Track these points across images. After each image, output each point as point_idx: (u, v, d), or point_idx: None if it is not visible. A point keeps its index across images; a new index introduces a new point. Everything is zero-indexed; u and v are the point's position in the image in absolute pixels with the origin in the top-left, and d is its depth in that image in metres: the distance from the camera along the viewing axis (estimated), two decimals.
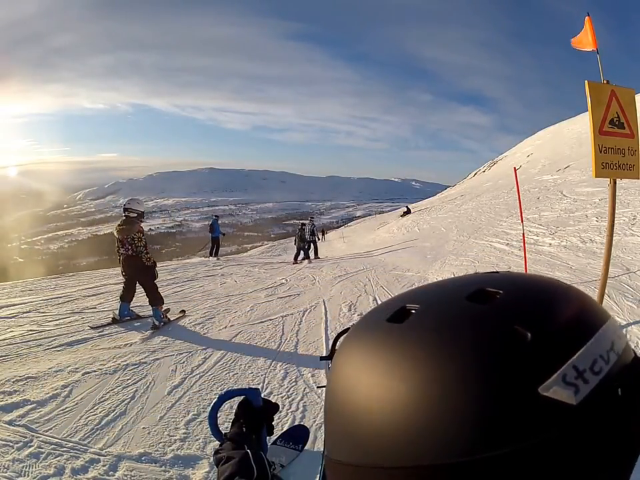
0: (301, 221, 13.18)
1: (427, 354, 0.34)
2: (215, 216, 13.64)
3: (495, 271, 0.44)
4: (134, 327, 4.41)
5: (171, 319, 4.67)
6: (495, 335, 0.34)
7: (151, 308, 4.57)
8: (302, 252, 12.20)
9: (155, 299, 4.64)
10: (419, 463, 0.32)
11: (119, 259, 4.81)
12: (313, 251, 12.56)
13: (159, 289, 4.82)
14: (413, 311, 0.38)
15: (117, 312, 4.62)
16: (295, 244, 12.54)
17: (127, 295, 4.78)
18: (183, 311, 4.98)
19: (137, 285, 4.81)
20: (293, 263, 10.91)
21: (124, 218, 4.83)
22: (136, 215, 4.91)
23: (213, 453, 0.72)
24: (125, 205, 4.91)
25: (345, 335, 0.43)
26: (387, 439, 0.34)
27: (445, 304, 0.39)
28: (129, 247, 4.70)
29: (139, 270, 4.70)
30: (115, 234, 4.78)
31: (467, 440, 0.31)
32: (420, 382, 0.33)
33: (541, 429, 0.30)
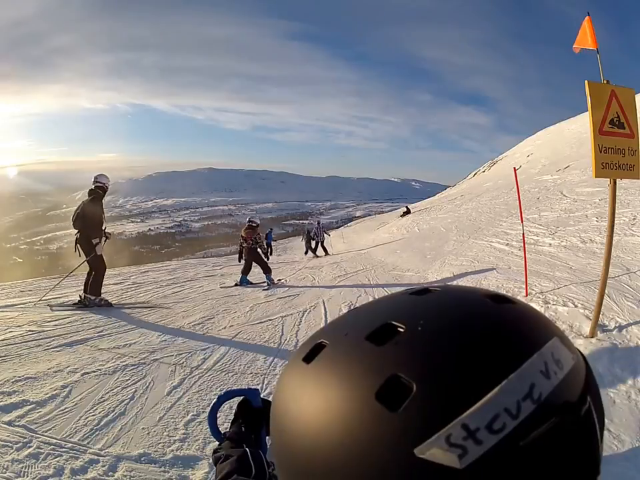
0: (307, 228, 15.04)
1: (321, 399, 0.33)
2: (270, 229, 19.11)
3: (424, 288, 0.40)
4: (248, 288, 6.69)
5: (276, 282, 7.27)
6: (378, 384, 0.30)
7: (265, 276, 7.35)
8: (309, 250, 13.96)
9: (267, 270, 7.41)
10: None
11: (241, 249, 7.97)
12: (320, 249, 14.12)
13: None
14: (325, 347, 0.37)
15: (237, 280, 7.33)
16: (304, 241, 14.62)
17: (246, 271, 7.54)
18: (280, 279, 7.55)
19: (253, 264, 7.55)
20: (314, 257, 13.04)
21: (247, 225, 7.94)
22: (256, 225, 7.98)
23: (212, 452, 0.72)
24: (250, 218, 8.21)
25: None
26: (301, 469, 0.34)
27: (347, 343, 0.36)
28: (251, 242, 7.67)
29: (256, 256, 7.64)
30: (243, 234, 7.87)
31: None
32: (316, 427, 0.33)
33: None
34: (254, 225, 7.96)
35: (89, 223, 5.29)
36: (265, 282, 7.30)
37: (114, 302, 5.45)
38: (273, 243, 18.27)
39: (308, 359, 0.37)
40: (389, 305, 0.41)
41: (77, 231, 5.38)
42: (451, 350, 0.31)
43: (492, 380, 0.28)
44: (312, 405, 0.34)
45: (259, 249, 7.75)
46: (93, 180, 5.63)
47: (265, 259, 7.95)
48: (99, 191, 5.57)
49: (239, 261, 8.20)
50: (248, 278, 7.47)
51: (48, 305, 5.06)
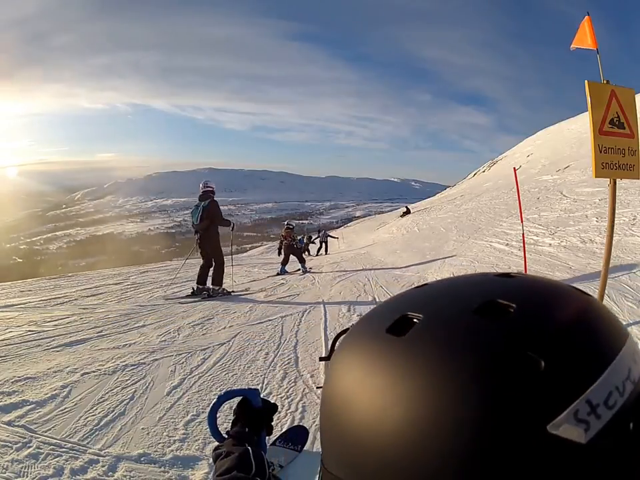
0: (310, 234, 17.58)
1: (427, 376, 0.31)
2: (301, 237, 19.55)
3: (506, 273, 0.39)
4: (291, 275, 7.74)
5: (308, 270, 8.88)
6: (505, 360, 0.30)
7: (300, 266, 9.06)
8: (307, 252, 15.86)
9: (302, 260, 9.28)
10: None
11: (281, 245, 10.05)
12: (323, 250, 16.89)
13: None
14: (415, 321, 0.35)
15: (278, 270, 8.67)
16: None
17: (285, 262, 9.02)
18: (311, 268, 9.27)
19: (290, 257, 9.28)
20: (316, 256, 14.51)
21: (286, 227, 10.14)
22: (292, 227, 10.29)
23: (212, 450, 0.72)
24: (288, 222, 10.66)
25: (342, 341, 0.40)
26: (376, 461, 0.32)
27: (451, 316, 0.35)
28: (290, 240, 9.65)
29: (294, 250, 9.53)
30: (283, 233, 10.05)
31: (460, 475, 0.29)
32: (419, 410, 0.30)
33: (545, 471, 0.27)
34: (291, 226, 10.30)
35: (218, 219, 6.25)
36: (299, 270, 9.01)
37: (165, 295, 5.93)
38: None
39: (396, 331, 0.35)
40: (478, 283, 0.40)
41: (195, 231, 6.27)
42: (571, 328, 0.32)
43: (606, 359, 0.30)
44: (416, 383, 0.31)
45: (297, 246, 10.17)
46: (202, 185, 6.49)
47: (301, 254, 10.06)
48: (210, 194, 6.37)
49: (279, 255, 10.58)
50: (286, 268, 8.96)
51: (163, 298, 5.73)
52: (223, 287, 6.16)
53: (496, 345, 0.31)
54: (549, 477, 0.28)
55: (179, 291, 6.38)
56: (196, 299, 5.73)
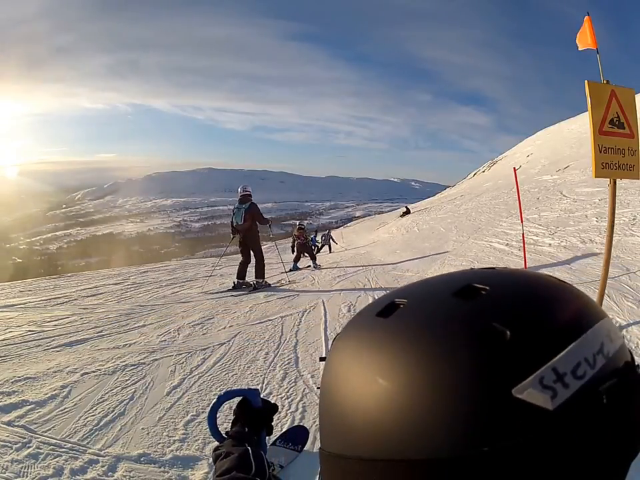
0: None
1: (407, 349, 0.34)
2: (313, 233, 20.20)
3: (490, 267, 0.42)
4: (300, 271, 8.04)
5: (320, 267, 9.24)
6: (473, 331, 0.33)
7: (312, 262, 9.76)
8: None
9: (313, 257, 10.06)
10: (393, 457, 0.32)
11: (295, 244, 10.64)
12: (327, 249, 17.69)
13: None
14: (401, 305, 0.38)
15: (290, 266, 9.13)
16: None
17: (297, 259, 10.09)
18: (320, 264, 9.63)
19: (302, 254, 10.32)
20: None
21: (299, 227, 11.00)
22: (304, 227, 11.20)
23: (212, 451, 0.71)
24: (300, 222, 11.74)
25: (343, 327, 0.43)
26: (366, 431, 0.34)
27: (431, 299, 0.39)
28: (302, 239, 10.47)
29: (307, 249, 10.50)
30: (296, 233, 10.73)
31: (441, 438, 0.31)
32: (399, 377, 0.33)
33: (515, 432, 0.29)
34: (302, 226, 11.28)
35: (260, 219, 6.99)
36: (309, 266, 9.70)
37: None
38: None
39: (384, 314, 0.38)
40: (460, 273, 0.42)
41: (236, 230, 7.01)
42: (539, 304, 0.34)
43: (575, 332, 0.32)
44: (397, 354, 0.34)
45: (310, 245, 11.54)
46: (241, 189, 7.07)
47: (313, 252, 11.08)
48: (249, 197, 6.98)
49: (292, 253, 10.88)
50: (298, 265, 9.90)
51: (203, 292, 6.28)
52: (265, 279, 6.89)
53: (467, 320, 0.34)
54: (521, 440, 0.29)
55: (192, 287, 6.76)
56: (243, 292, 6.31)
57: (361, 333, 0.39)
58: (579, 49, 3.14)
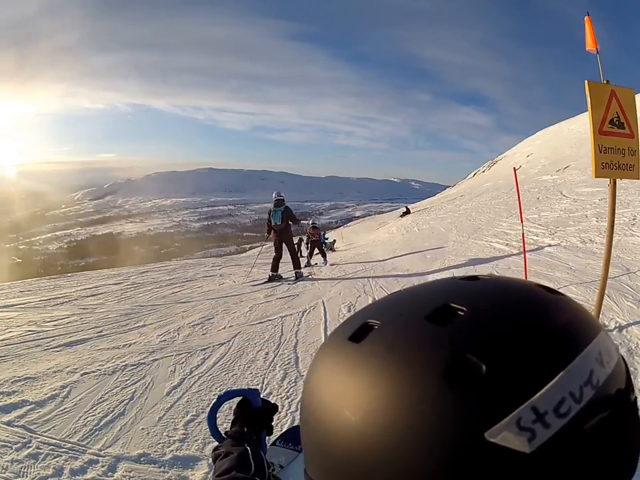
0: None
1: (375, 383, 0.32)
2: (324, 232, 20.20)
3: (474, 276, 0.39)
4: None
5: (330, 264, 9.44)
6: (446, 364, 0.29)
7: (323, 259, 10.29)
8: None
9: (324, 255, 10.52)
10: None
11: (310, 242, 11.68)
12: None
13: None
14: (375, 327, 0.36)
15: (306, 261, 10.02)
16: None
17: (311, 254, 11.10)
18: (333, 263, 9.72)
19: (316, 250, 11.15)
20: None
21: (312, 226, 12.15)
22: (317, 226, 12.18)
23: (211, 450, 0.71)
24: (312, 221, 12.95)
25: (316, 351, 0.42)
26: (339, 462, 0.32)
27: (404, 323, 0.35)
28: (317, 236, 11.60)
29: (319, 245, 11.31)
30: (310, 231, 11.83)
31: (412, 477, 0.28)
32: (366, 414, 0.31)
33: (488, 478, 0.27)
34: (316, 225, 12.74)
35: (294, 220, 8.06)
36: (316, 263, 10.09)
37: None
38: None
39: (356, 338, 0.36)
40: (439, 288, 0.40)
41: (272, 230, 7.95)
42: (519, 333, 0.30)
43: (558, 364, 0.29)
44: (365, 387, 0.32)
45: (322, 242, 12.26)
46: (275, 195, 7.96)
47: (324, 249, 11.92)
48: (282, 201, 7.94)
49: (307, 249, 12.24)
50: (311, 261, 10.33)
51: (244, 283, 7.11)
52: (301, 269, 8.01)
53: (439, 350, 0.31)
54: None
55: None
56: (275, 283, 7.16)
57: (333, 359, 0.37)
58: (587, 49, 3.13)
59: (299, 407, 2.66)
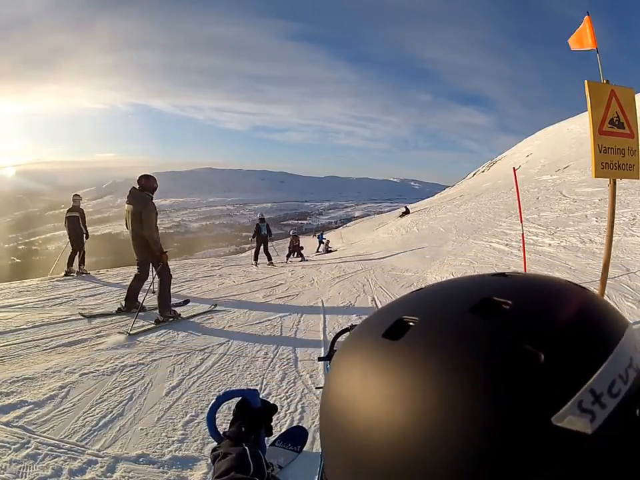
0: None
1: (425, 379, 0.31)
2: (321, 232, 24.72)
3: (501, 272, 0.39)
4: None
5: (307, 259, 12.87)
6: (503, 355, 0.30)
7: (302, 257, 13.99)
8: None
9: (301, 255, 14.15)
10: None
11: (291, 246, 14.83)
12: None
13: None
14: (411, 324, 0.35)
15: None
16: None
17: (289, 256, 14.12)
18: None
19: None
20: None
21: (294, 235, 15.54)
22: (297, 235, 15.79)
23: (210, 451, 0.71)
24: (295, 233, 16.32)
25: (340, 348, 0.40)
26: (380, 468, 0.31)
27: (446, 317, 0.35)
28: (296, 242, 14.87)
29: (298, 249, 14.57)
30: (292, 239, 15.24)
31: (469, 474, 0.28)
32: (416, 411, 0.30)
33: (554, 462, 0.27)
34: (296, 234, 15.67)
35: (270, 232, 10.56)
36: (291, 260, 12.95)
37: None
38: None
39: (392, 336, 0.35)
40: (474, 283, 0.39)
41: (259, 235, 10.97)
42: (569, 323, 0.32)
43: (607, 348, 0.30)
44: (410, 387, 0.31)
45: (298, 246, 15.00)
46: (260, 214, 11.34)
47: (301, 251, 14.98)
48: (264, 219, 11.05)
49: (288, 250, 14.86)
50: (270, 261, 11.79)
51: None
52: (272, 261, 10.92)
53: (493, 342, 0.31)
54: (558, 470, 0.27)
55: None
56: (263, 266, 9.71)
57: (370, 357, 0.35)
58: (572, 49, 3.14)
59: (298, 407, 2.66)
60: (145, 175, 5.56)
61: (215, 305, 5.31)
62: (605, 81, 3.00)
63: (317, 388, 2.85)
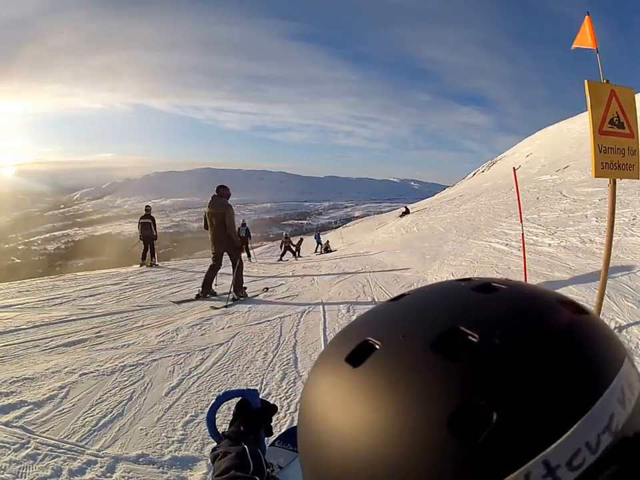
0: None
1: (379, 414, 0.29)
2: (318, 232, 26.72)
3: (487, 284, 0.35)
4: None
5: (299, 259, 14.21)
6: (450, 408, 0.27)
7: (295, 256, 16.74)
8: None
9: (295, 254, 17.10)
10: None
11: (283, 246, 17.07)
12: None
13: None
14: (376, 347, 0.33)
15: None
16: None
17: (282, 255, 16.06)
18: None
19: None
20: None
21: (285, 236, 18.56)
22: (288, 237, 18.37)
23: (210, 451, 0.71)
24: (286, 235, 19.28)
25: (312, 367, 0.39)
26: None
27: (406, 350, 0.31)
28: (288, 243, 17.39)
29: (291, 249, 17.53)
30: (284, 240, 17.87)
31: None
32: (369, 444, 0.29)
33: None
34: (287, 235, 17.47)
35: (250, 235, 11.99)
36: (287, 259, 14.41)
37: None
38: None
39: (353, 360, 0.33)
40: (449, 301, 0.36)
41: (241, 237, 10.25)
42: (536, 374, 0.27)
43: (577, 411, 0.25)
44: (364, 422, 0.29)
45: (290, 246, 17.18)
46: (242, 220, 12.06)
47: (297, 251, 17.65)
48: (245, 224, 11.35)
49: (280, 249, 17.18)
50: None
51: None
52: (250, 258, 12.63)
53: (447, 390, 0.28)
54: None
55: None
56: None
57: (332, 383, 0.34)
58: (572, 46, 3.14)
59: (298, 407, 2.66)
60: (222, 185, 6.98)
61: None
62: (604, 81, 3.00)
63: None
